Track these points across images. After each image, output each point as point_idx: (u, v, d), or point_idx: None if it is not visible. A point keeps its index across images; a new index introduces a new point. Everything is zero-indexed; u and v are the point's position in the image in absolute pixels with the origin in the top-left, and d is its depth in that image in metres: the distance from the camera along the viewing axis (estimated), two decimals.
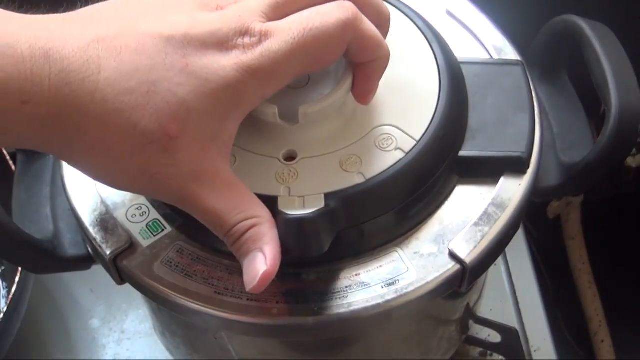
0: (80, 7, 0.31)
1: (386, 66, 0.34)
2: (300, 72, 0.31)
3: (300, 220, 0.32)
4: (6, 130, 0.28)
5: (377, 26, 0.32)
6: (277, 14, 0.31)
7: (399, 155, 0.35)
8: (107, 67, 0.28)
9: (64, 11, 0.31)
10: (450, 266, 0.35)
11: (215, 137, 0.30)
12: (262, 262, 0.31)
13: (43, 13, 0.30)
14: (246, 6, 0.31)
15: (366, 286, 0.34)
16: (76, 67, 0.28)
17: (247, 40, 0.30)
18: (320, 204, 0.33)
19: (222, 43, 0.30)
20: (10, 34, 0.28)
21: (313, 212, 0.32)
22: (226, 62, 0.29)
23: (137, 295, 0.39)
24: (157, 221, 0.37)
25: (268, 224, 0.31)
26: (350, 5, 0.31)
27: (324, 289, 0.35)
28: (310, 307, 0.34)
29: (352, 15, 0.31)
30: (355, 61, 0.33)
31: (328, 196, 0.34)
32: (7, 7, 0.29)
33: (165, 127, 0.29)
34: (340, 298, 0.34)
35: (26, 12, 0.30)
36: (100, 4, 0.31)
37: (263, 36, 0.30)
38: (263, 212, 0.31)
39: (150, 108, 0.28)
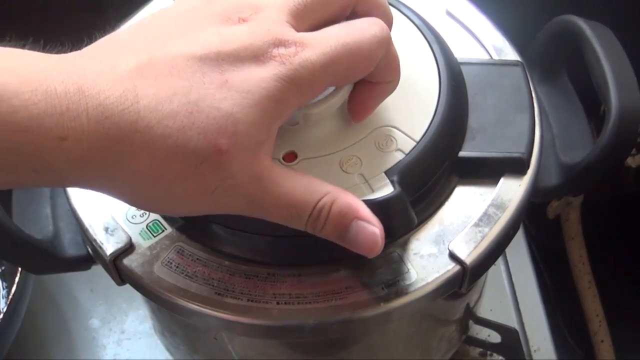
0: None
1: (392, 92, 0.34)
2: (332, 84, 0.32)
3: (388, 201, 0.32)
4: (44, 169, 0.28)
5: None
6: (300, 24, 0.31)
7: (399, 156, 0.35)
8: (145, 95, 0.28)
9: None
10: (450, 267, 0.35)
11: (262, 145, 0.30)
12: (369, 226, 0.31)
13: (67, 52, 0.30)
14: (270, 17, 0.30)
15: (366, 287, 0.34)
16: (113, 99, 0.28)
17: (282, 50, 0.30)
18: (387, 182, 0.33)
19: (257, 56, 0.29)
20: (41, 71, 0.28)
21: (395, 190, 0.32)
22: (265, 74, 0.29)
23: (137, 296, 0.39)
24: (157, 222, 0.37)
25: (342, 193, 0.31)
26: (383, 23, 0.32)
27: (324, 290, 0.35)
28: (310, 308, 0.34)
29: (386, 34, 0.32)
30: (369, 79, 0.33)
31: (388, 173, 0.34)
32: (32, 48, 0.29)
33: (215, 143, 0.28)
34: (340, 299, 0.34)
35: (50, 51, 0.29)
36: (116, 34, 0.31)
37: (299, 46, 0.30)
38: (329, 185, 0.31)
39: (197, 127, 0.28)
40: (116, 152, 0.28)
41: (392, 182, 0.33)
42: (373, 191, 0.33)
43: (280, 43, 0.30)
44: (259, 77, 0.29)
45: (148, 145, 0.28)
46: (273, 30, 0.30)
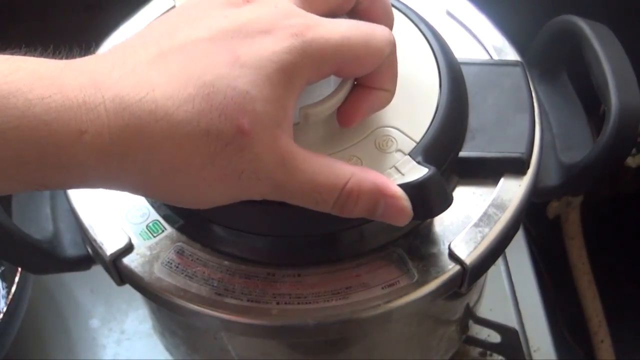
0: None
1: (386, 104, 0.34)
2: (338, 70, 0.31)
3: (427, 181, 0.32)
4: (68, 165, 0.28)
5: (382, 24, 0.33)
6: (307, 8, 0.31)
7: (399, 157, 0.35)
8: (159, 83, 0.28)
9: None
10: (451, 267, 0.35)
11: (281, 123, 0.30)
12: (398, 200, 0.31)
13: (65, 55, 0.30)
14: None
15: (366, 287, 0.34)
16: (129, 90, 0.28)
17: (294, 21, 0.29)
18: (414, 163, 0.33)
19: (266, 30, 0.29)
20: (54, 69, 0.28)
21: (431, 170, 0.32)
22: (276, 46, 0.29)
23: (137, 296, 0.39)
24: (157, 222, 0.37)
25: (364, 173, 0.31)
26: (390, 31, 0.32)
27: (324, 290, 0.35)
28: (310, 308, 0.34)
29: (393, 38, 0.32)
30: (367, 83, 0.33)
31: (412, 154, 0.34)
32: (41, 56, 0.29)
33: (237, 124, 0.28)
34: (340, 299, 0.34)
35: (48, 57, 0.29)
36: (124, 40, 0.31)
37: (310, 21, 0.30)
38: (350, 167, 0.31)
39: (216, 109, 0.28)
40: (139, 143, 0.28)
41: (419, 162, 0.33)
42: (403, 175, 0.33)
43: (291, 16, 0.30)
44: (270, 50, 0.29)
45: (170, 133, 0.28)
46: (281, 6, 0.30)
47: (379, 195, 0.31)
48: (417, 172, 0.33)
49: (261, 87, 0.29)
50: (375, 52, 0.31)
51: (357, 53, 0.31)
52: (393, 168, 0.34)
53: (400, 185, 0.32)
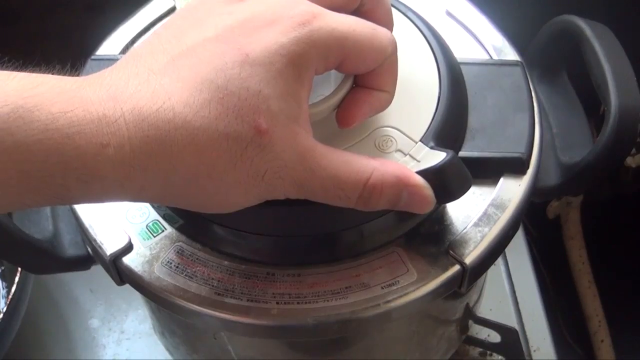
0: None
1: (386, 106, 0.34)
2: (342, 64, 0.31)
3: (447, 165, 0.32)
4: (92, 179, 0.28)
5: (383, 26, 0.33)
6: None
7: (399, 157, 0.35)
8: (174, 90, 0.28)
9: None
10: (450, 267, 0.35)
11: (297, 119, 0.30)
12: (419, 190, 0.31)
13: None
14: None
15: (366, 287, 0.34)
16: (145, 101, 0.28)
17: (299, 10, 0.29)
18: (427, 148, 0.33)
19: (272, 21, 0.29)
20: (73, 84, 0.28)
21: (450, 154, 0.32)
22: (283, 38, 0.29)
23: (137, 296, 0.39)
24: (157, 222, 0.37)
25: (384, 167, 0.31)
26: (392, 33, 0.33)
27: (324, 290, 0.35)
28: (310, 308, 0.34)
29: (395, 42, 0.32)
30: (367, 84, 0.33)
31: (424, 140, 0.34)
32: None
33: (255, 125, 0.28)
34: (340, 299, 0.34)
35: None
36: (131, 50, 0.31)
37: (316, 10, 0.30)
38: (370, 160, 0.31)
39: (233, 112, 0.28)
40: (160, 153, 0.28)
41: (432, 147, 0.33)
42: (418, 161, 0.33)
43: (296, 5, 0.30)
44: (278, 44, 0.29)
45: (190, 140, 0.28)
46: None
47: (402, 187, 0.31)
48: (434, 157, 0.33)
49: (273, 83, 0.29)
50: (379, 48, 0.31)
51: (361, 46, 0.31)
52: (408, 156, 0.34)
53: (420, 172, 0.32)
